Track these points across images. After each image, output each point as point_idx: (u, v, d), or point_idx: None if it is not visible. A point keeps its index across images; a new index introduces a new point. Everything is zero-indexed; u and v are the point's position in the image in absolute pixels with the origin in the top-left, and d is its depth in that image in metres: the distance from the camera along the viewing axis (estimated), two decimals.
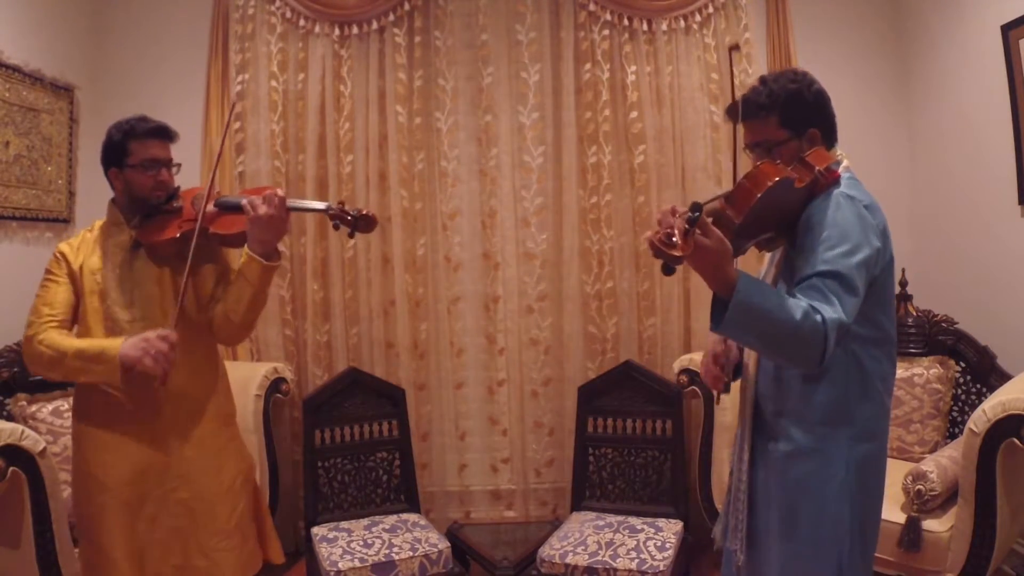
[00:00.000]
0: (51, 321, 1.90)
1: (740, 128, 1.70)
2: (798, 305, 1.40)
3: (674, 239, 1.27)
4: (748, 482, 1.69)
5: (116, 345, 1.83)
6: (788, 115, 1.60)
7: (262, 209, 1.87)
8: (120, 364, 1.80)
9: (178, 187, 2.04)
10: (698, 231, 1.29)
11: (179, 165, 2.05)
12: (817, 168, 1.54)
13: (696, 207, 1.28)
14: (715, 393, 1.81)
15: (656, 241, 1.28)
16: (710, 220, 1.34)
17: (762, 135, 1.61)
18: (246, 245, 1.94)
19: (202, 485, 1.99)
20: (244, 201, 1.91)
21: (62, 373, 1.88)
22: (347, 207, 1.96)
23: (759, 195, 1.40)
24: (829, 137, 1.65)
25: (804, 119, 1.61)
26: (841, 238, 1.48)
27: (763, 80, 1.65)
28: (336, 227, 1.97)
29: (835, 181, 1.56)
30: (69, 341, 1.88)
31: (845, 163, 1.63)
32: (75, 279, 1.96)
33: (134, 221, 2.00)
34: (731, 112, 1.69)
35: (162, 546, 1.94)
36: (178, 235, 1.96)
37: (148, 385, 1.89)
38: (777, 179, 1.42)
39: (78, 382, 1.92)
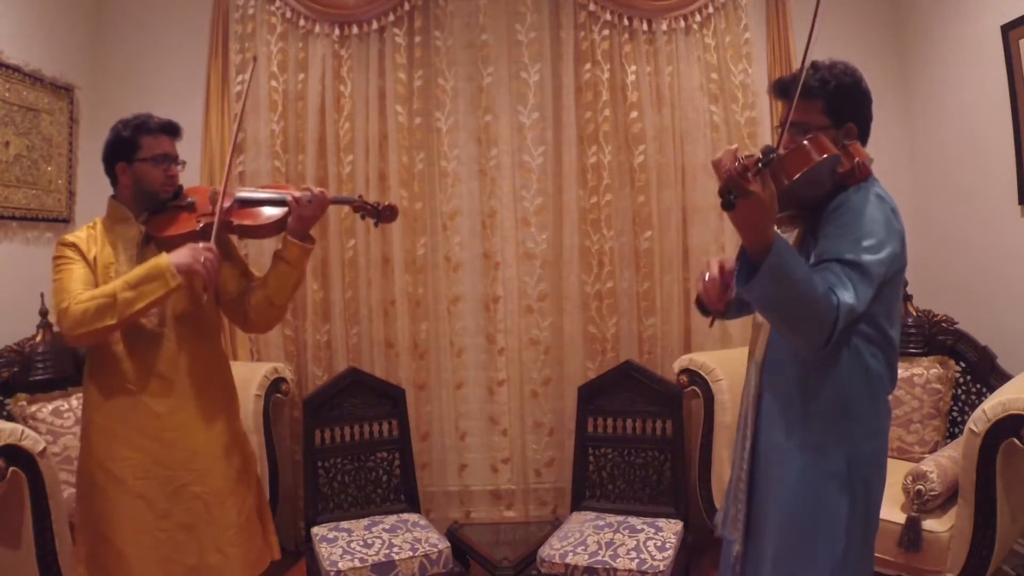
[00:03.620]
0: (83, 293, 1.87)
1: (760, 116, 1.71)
2: (820, 281, 1.43)
3: (748, 173, 1.30)
4: (748, 472, 1.69)
5: (163, 258, 1.85)
6: (834, 104, 1.61)
7: (306, 196, 1.99)
8: (177, 271, 1.84)
9: (181, 185, 2.06)
10: (759, 179, 1.31)
11: (184, 163, 2.07)
12: (856, 159, 1.57)
13: (770, 149, 1.31)
14: (711, 316, 1.73)
15: (734, 171, 1.30)
16: None
17: (803, 116, 1.61)
18: (286, 231, 2.03)
19: (213, 479, 1.99)
20: (288, 196, 2.02)
21: (115, 313, 1.81)
22: (375, 202, 2.16)
23: (815, 161, 1.44)
24: (863, 137, 1.67)
25: (847, 112, 1.63)
26: (869, 233, 1.51)
27: (816, 65, 1.65)
28: (363, 217, 2.18)
29: (866, 177, 1.59)
30: (109, 284, 1.86)
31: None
32: (90, 266, 1.94)
33: (142, 217, 2.01)
34: (780, 87, 1.69)
35: (175, 544, 1.93)
36: (199, 228, 1.99)
37: (162, 379, 1.93)
38: (829, 155, 1.47)
39: (130, 315, 1.83)
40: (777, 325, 1.60)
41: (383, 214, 2.16)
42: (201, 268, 1.87)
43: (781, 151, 1.44)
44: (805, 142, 1.49)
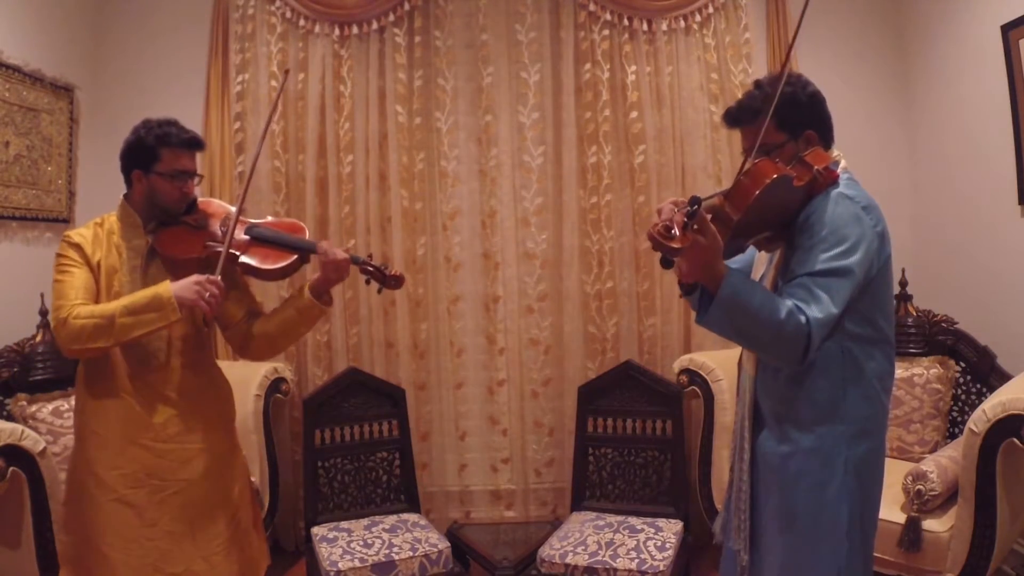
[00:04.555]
0: (82, 304, 1.85)
1: (736, 132, 1.70)
2: (783, 304, 1.43)
3: (673, 232, 1.30)
4: (749, 482, 1.69)
5: (166, 289, 1.82)
6: (784, 118, 1.60)
7: (338, 255, 1.97)
8: (178, 306, 1.81)
9: (195, 199, 2.03)
10: (695, 227, 1.31)
11: (201, 176, 2.04)
12: (816, 167, 1.55)
13: (695, 200, 1.31)
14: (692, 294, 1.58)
15: (655, 233, 1.31)
16: (709, 216, 1.36)
17: (759, 138, 1.61)
18: (308, 285, 2.00)
19: (205, 491, 1.98)
20: (319, 247, 1.98)
21: (110, 337, 1.80)
22: (382, 265, 2.08)
23: (757, 192, 1.42)
24: (826, 138, 1.65)
25: (800, 121, 1.61)
26: (838, 240, 1.49)
27: (758, 84, 1.65)
28: (367, 282, 2.10)
29: (834, 181, 1.57)
30: (109, 304, 1.83)
31: (843, 164, 1.63)
32: (93, 271, 1.92)
33: (150, 226, 1.98)
34: (728, 118, 1.69)
35: (161, 553, 1.92)
36: (204, 256, 1.95)
37: (158, 390, 1.93)
38: (775, 176, 1.44)
39: (126, 340, 1.83)
40: (748, 349, 1.61)
41: (389, 281, 2.07)
42: (204, 305, 1.82)
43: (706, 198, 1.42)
44: (742, 177, 1.46)
